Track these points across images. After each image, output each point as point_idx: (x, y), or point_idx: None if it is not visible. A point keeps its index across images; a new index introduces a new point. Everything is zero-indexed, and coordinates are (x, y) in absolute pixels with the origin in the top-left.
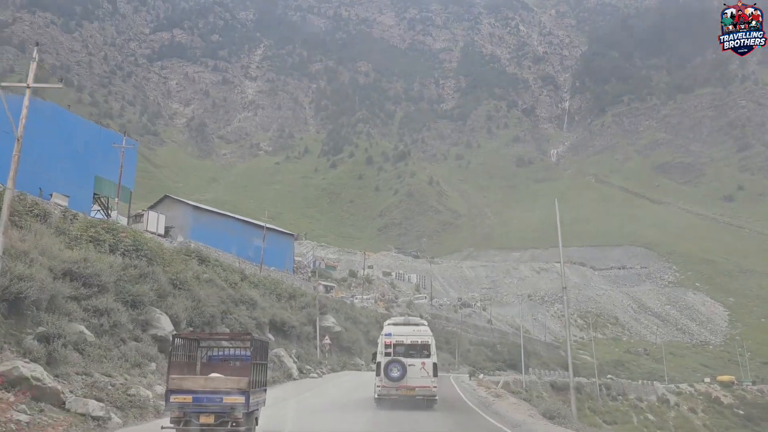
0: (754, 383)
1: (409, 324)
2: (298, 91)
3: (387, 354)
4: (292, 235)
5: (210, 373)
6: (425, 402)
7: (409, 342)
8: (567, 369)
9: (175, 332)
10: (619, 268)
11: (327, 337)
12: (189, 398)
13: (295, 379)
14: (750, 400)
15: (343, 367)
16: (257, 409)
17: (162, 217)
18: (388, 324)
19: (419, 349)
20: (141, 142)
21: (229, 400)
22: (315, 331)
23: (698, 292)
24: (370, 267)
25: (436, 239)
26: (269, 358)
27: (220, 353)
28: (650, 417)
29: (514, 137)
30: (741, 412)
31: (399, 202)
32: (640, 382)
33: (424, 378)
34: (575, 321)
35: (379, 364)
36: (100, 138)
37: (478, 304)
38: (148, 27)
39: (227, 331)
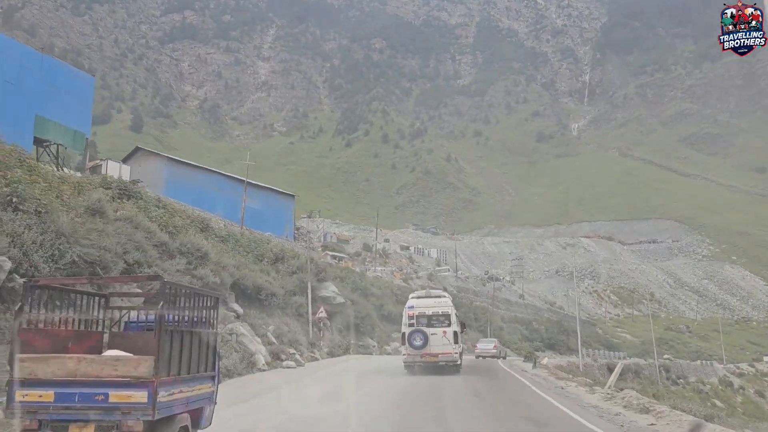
0: None
1: (430, 296)
2: (311, 71)
3: (410, 325)
4: (292, 196)
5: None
6: (450, 368)
7: (430, 313)
8: (609, 348)
9: (32, 279)
10: (650, 242)
11: (322, 310)
12: (49, 394)
13: (261, 370)
14: None
15: (346, 350)
16: (184, 412)
17: (125, 169)
18: (411, 297)
19: (440, 319)
20: (153, 124)
21: (117, 397)
22: (307, 303)
23: (735, 266)
24: (387, 241)
25: (455, 217)
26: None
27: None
28: (718, 403)
29: (533, 112)
30: None
31: (416, 180)
32: (699, 362)
33: (445, 345)
34: (609, 297)
35: (403, 335)
36: (42, 68)
37: (507, 278)
38: (159, 9)
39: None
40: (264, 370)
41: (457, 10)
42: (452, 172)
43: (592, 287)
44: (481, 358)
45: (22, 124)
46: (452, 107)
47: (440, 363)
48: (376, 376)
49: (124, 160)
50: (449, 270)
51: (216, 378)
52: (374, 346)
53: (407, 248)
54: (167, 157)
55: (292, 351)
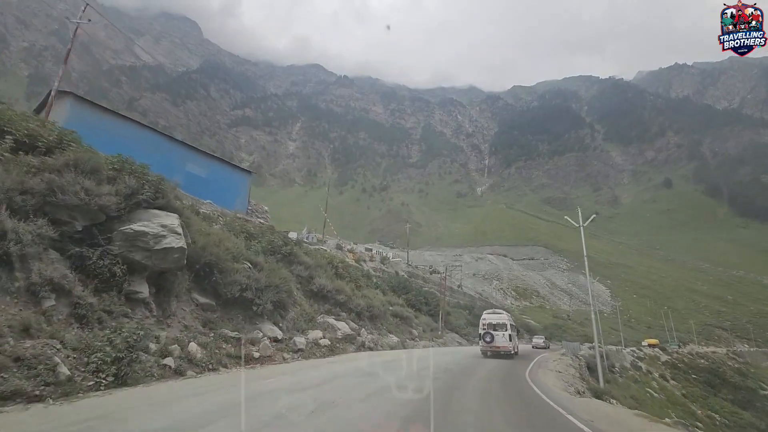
0: (680, 347)
1: (495, 313)
2: (321, 149)
3: (483, 328)
4: (249, 172)
5: None
6: (507, 355)
7: (495, 322)
8: (528, 331)
9: None
10: (530, 259)
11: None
12: None
13: None
14: (693, 363)
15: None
16: None
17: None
18: (485, 313)
19: (501, 327)
20: None
21: None
22: None
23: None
24: (355, 243)
25: (405, 240)
26: None
27: None
28: (654, 394)
29: (454, 180)
30: (694, 376)
31: (382, 216)
32: (614, 348)
33: (504, 342)
34: (511, 293)
35: (480, 335)
36: None
37: (444, 272)
38: (229, 106)
39: None
40: None
41: (411, 119)
42: (404, 213)
43: (499, 286)
44: (533, 348)
45: None
46: (406, 174)
47: (501, 352)
48: None
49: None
50: (401, 259)
51: None
52: (273, 339)
53: (370, 250)
54: (73, 94)
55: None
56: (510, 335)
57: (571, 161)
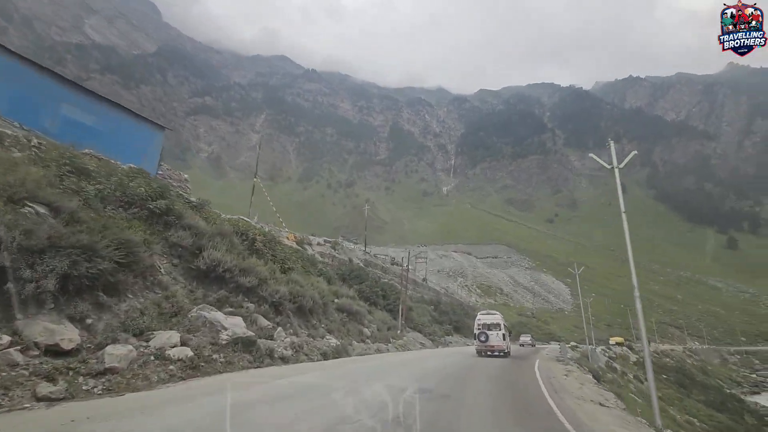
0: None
1: (489, 313)
2: (286, 143)
3: (478, 328)
4: (161, 126)
5: None
6: (501, 353)
7: (489, 322)
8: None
9: None
10: (494, 257)
11: None
12: None
13: None
14: (661, 363)
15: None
16: None
17: None
18: (479, 314)
19: (495, 327)
20: (171, 164)
21: None
22: None
23: (547, 275)
24: (314, 235)
25: (369, 237)
26: None
27: None
28: (636, 399)
29: (421, 179)
30: (665, 376)
31: (347, 213)
32: (589, 347)
33: (498, 341)
34: (475, 290)
35: (475, 334)
36: None
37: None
38: (187, 94)
39: None
40: None
41: (379, 117)
42: (370, 210)
43: (463, 283)
44: (521, 346)
45: None
46: (373, 172)
47: (495, 351)
48: None
49: None
50: (356, 243)
51: None
52: (52, 349)
53: (330, 241)
54: None
55: None
56: (504, 335)
57: (534, 164)
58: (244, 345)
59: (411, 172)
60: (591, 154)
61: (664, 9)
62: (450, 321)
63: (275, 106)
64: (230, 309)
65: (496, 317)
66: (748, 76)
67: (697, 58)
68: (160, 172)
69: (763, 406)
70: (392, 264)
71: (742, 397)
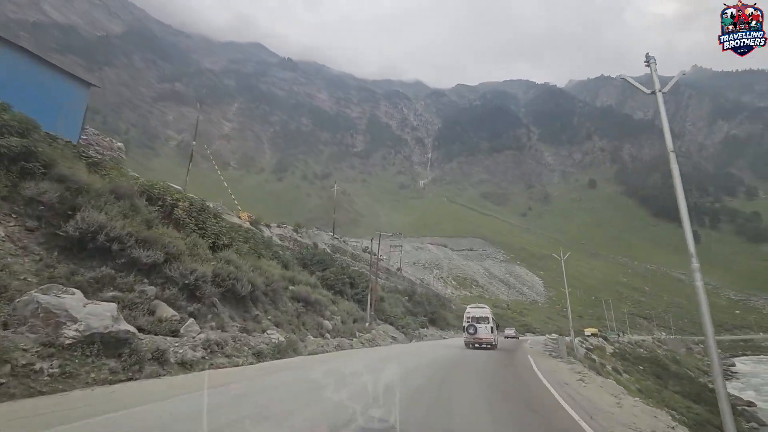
0: (619, 335)
1: (478, 307)
2: (260, 132)
3: (467, 321)
4: (86, 83)
5: None
6: (489, 346)
7: (478, 315)
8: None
9: None
10: (469, 250)
11: None
12: None
13: None
14: (636, 354)
15: None
16: None
17: None
18: (468, 307)
19: (484, 320)
20: (139, 152)
21: None
22: None
23: (522, 267)
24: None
25: (345, 228)
26: None
27: None
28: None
29: (397, 171)
30: (641, 367)
31: (323, 204)
32: (567, 338)
33: (487, 334)
34: (451, 282)
35: (464, 327)
36: None
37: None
38: (155, 79)
39: None
40: None
41: (357, 108)
42: (346, 202)
43: (439, 275)
44: (506, 338)
45: None
46: (349, 163)
47: (484, 343)
48: None
49: None
50: (319, 229)
51: None
52: None
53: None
54: None
55: None
56: (492, 328)
57: (509, 159)
58: (108, 346)
59: (388, 165)
60: (623, 76)
61: (634, 12)
62: (425, 312)
63: (248, 94)
64: (114, 293)
65: (485, 311)
66: (710, 79)
67: (665, 60)
68: (84, 137)
69: (735, 396)
70: (364, 251)
71: (711, 386)
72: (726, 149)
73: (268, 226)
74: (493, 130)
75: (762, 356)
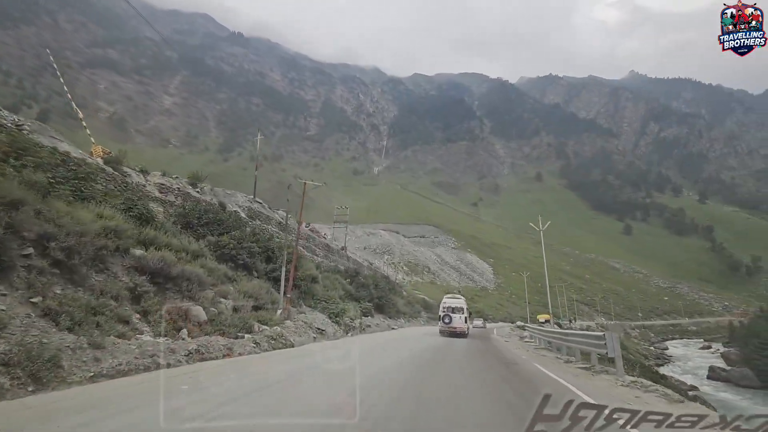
0: (571, 321)
1: (454, 297)
2: (205, 110)
3: (443, 311)
4: None
5: None
6: (462, 336)
7: (453, 306)
8: (426, 308)
9: None
10: (421, 237)
11: None
12: None
13: None
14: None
15: None
16: None
17: None
18: (444, 297)
19: (458, 310)
20: (61, 122)
21: None
22: None
23: (472, 254)
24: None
25: (296, 212)
26: None
27: None
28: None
29: (352, 157)
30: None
31: (272, 188)
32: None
33: (461, 324)
34: (402, 268)
35: (440, 316)
36: None
37: (327, 234)
38: (83, 43)
39: None
40: None
41: (311, 91)
42: (297, 186)
43: (390, 260)
44: (475, 328)
45: None
46: (302, 147)
47: (458, 332)
48: None
49: None
50: (235, 191)
51: None
52: None
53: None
54: None
55: None
56: (465, 317)
57: (462, 149)
58: None
59: (342, 150)
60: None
61: (580, 17)
62: (371, 297)
63: (193, 67)
64: None
65: (461, 301)
66: (645, 84)
67: (606, 64)
68: None
69: (678, 380)
70: (304, 225)
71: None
72: (656, 149)
73: (144, 172)
74: (447, 121)
75: (689, 340)
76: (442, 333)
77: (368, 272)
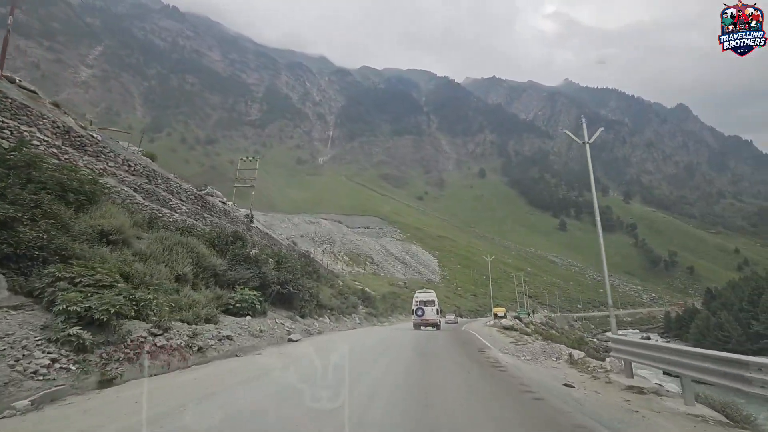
0: (529, 315)
1: (425, 292)
2: (130, 85)
3: (416, 305)
4: None
5: None
6: (435, 327)
7: (425, 299)
8: (365, 301)
9: None
10: (366, 228)
11: None
12: None
13: None
14: (549, 334)
15: None
16: None
17: None
18: (416, 293)
19: (430, 303)
20: None
21: None
22: None
23: (417, 246)
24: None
25: (231, 200)
26: None
27: None
28: None
29: (296, 145)
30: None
31: (204, 172)
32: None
33: (433, 316)
34: (343, 258)
35: (413, 310)
36: None
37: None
38: None
39: None
40: None
41: (254, 75)
42: (233, 172)
43: (329, 249)
44: (447, 323)
45: None
46: (241, 132)
47: (430, 323)
48: None
49: None
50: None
51: None
52: None
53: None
54: None
55: None
56: (437, 310)
57: (409, 143)
58: None
59: (286, 138)
60: (565, 130)
61: (521, 24)
62: (265, 282)
63: (118, 38)
64: None
65: (432, 295)
66: (577, 92)
67: (545, 70)
68: None
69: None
70: (245, 217)
71: None
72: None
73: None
74: (395, 114)
75: (625, 330)
76: (416, 326)
77: (296, 254)
